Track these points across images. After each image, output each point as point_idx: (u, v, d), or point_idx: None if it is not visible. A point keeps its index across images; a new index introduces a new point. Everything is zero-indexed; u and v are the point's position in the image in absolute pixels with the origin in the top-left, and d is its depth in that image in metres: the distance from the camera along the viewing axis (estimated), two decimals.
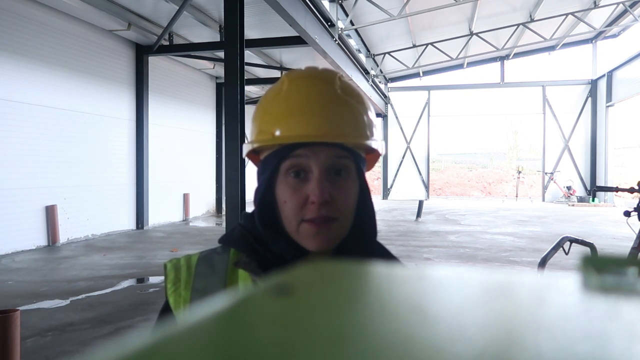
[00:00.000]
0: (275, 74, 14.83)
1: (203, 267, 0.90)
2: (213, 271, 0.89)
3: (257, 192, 0.89)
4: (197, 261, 0.91)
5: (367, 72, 15.82)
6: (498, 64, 20.77)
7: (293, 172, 0.85)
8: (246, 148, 0.91)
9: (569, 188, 19.77)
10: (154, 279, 6.50)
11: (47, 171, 8.95)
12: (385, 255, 0.95)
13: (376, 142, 0.89)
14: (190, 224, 12.94)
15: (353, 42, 14.69)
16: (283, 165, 0.85)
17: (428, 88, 21.61)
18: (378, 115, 21.35)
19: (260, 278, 0.85)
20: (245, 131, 6.50)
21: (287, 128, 0.83)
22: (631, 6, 14.88)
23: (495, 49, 17.05)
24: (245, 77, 6.72)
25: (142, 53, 11.37)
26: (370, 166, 0.97)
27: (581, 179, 20.16)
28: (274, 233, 0.88)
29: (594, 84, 19.94)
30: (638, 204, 4.13)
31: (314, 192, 0.83)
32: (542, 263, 3.56)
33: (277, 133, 0.84)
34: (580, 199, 19.24)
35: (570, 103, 20.40)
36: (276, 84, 0.90)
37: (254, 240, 0.89)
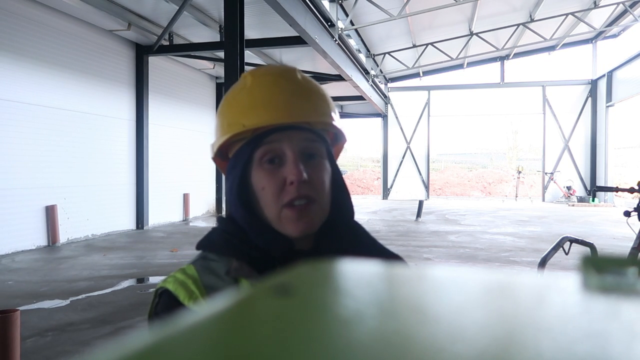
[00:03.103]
0: None
1: (208, 277, 0.87)
2: (220, 278, 0.86)
3: (231, 187, 0.90)
4: (198, 273, 0.87)
5: (367, 72, 15.82)
6: (498, 64, 20.76)
7: (267, 159, 0.87)
8: (215, 145, 0.92)
9: (569, 188, 19.76)
10: (154, 279, 6.50)
11: (47, 171, 8.95)
12: (364, 236, 0.96)
13: (341, 124, 0.94)
14: (190, 224, 12.94)
15: (353, 42, 14.68)
16: (256, 155, 0.87)
17: (428, 88, 21.61)
18: (378, 115, 21.38)
19: (256, 280, 0.83)
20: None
21: (256, 117, 0.86)
22: (631, 6, 14.87)
23: (495, 49, 17.04)
24: None
25: (142, 53, 11.37)
26: (336, 157, 1.00)
27: (581, 179, 20.15)
28: (258, 224, 0.88)
29: (594, 84, 19.94)
30: (638, 204, 4.13)
31: (291, 172, 0.85)
32: (542, 263, 3.56)
33: (246, 123, 0.86)
34: (580, 199, 19.24)
35: (570, 103, 20.39)
36: (238, 82, 0.94)
37: (237, 241, 0.89)
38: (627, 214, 4.13)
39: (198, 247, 0.92)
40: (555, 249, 3.54)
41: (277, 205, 0.85)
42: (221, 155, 0.95)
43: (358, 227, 0.97)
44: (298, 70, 0.94)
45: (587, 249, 3.45)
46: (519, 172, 22.12)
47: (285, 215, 0.85)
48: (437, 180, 28.60)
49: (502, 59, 20.55)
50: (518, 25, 15.53)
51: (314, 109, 0.89)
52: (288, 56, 14.22)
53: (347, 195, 0.94)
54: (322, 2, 10.00)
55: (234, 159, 0.90)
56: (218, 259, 0.89)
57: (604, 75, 18.95)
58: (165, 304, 0.86)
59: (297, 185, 0.84)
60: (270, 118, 0.85)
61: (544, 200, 20.69)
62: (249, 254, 0.87)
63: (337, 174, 0.93)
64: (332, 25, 10.56)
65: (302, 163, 0.86)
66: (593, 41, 19.70)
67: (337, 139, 0.98)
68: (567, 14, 14.80)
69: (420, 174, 21.65)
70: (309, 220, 0.86)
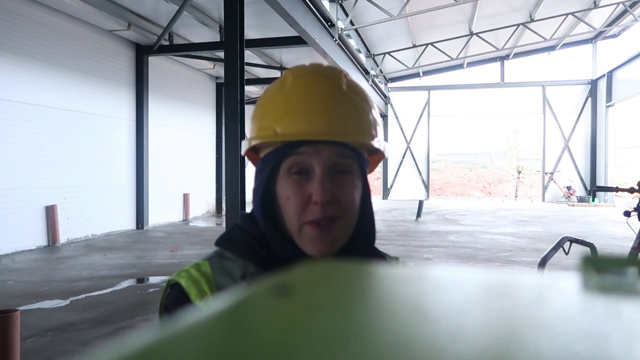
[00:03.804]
0: (275, 74, 14.84)
1: (222, 278, 0.85)
2: (234, 280, 0.84)
3: (256, 191, 0.86)
4: (212, 272, 0.85)
5: (367, 72, 15.82)
6: (498, 64, 20.77)
7: (295, 170, 0.82)
8: (245, 145, 0.88)
9: (569, 188, 19.77)
10: (154, 279, 6.50)
11: (47, 171, 8.95)
12: (381, 259, 0.94)
13: (380, 143, 0.87)
14: (190, 224, 12.94)
15: (353, 42, 14.69)
16: (284, 164, 0.83)
17: (428, 88, 21.61)
18: None
19: None
20: (245, 130, 6.50)
21: (289, 125, 0.81)
22: (631, 6, 14.88)
23: (495, 49, 17.05)
24: (245, 77, 6.71)
25: (142, 53, 11.37)
26: (373, 168, 0.95)
27: (581, 179, 20.16)
28: (278, 234, 0.85)
29: (594, 84, 19.94)
30: (638, 204, 4.13)
31: (316, 192, 0.80)
32: (542, 263, 3.56)
33: (279, 130, 0.81)
34: (580, 199, 19.24)
35: (570, 103, 20.40)
36: (279, 80, 0.88)
37: (257, 244, 0.86)
38: (627, 214, 4.13)
39: (217, 244, 0.90)
40: (555, 249, 3.54)
41: (299, 221, 0.82)
42: (254, 150, 0.90)
43: (378, 254, 0.93)
44: (345, 74, 0.86)
45: (587, 249, 3.45)
46: (519, 172, 22.12)
47: (306, 232, 0.82)
48: (437, 180, 28.60)
49: (502, 59, 20.56)
50: (518, 25, 15.53)
51: (353, 126, 0.82)
52: (288, 56, 14.22)
53: (371, 217, 0.89)
54: (322, 2, 10.00)
55: (262, 163, 0.86)
56: (234, 259, 0.86)
57: (604, 75, 18.96)
58: (174, 298, 0.84)
59: (321, 206, 0.80)
60: (303, 130, 0.80)
61: (544, 200, 20.70)
62: (267, 260, 0.85)
63: (366, 194, 0.87)
64: (332, 25, 10.56)
65: (330, 179, 0.82)
66: (593, 41, 19.70)
67: (376, 151, 0.91)
68: (567, 14, 14.81)
69: (420, 174, 21.65)
70: (331, 241, 0.82)
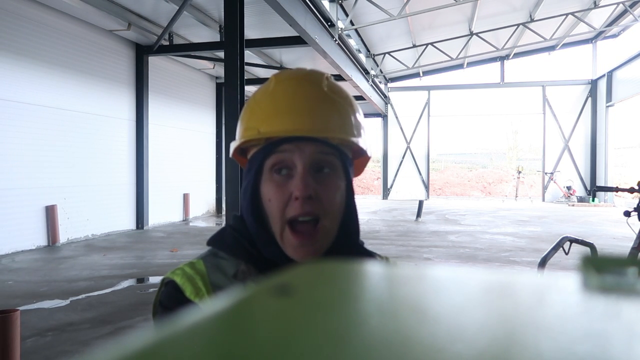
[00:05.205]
0: None
1: (216, 276, 0.86)
2: (228, 278, 0.86)
3: (245, 191, 0.88)
4: (206, 270, 0.87)
5: (367, 72, 15.82)
6: (498, 64, 20.76)
7: (277, 168, 0.84)
8: (233, 146, 0.91)
9: (569, 188, 19.76)
10: (154, 279, 6.50)
11: (47, 171, 8.95)
12: (369, 257, 0.95)
13: (363, 142, 0.88)
14: (190, 224, 12.94)
15: (353, 42, 14.68)
16: (268, 162, 0.85)
17: (428, 88, 21.60)
18: (378, 115, 21.37)
19: None
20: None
21: (272, 124, 0.83)
22: (631, 6, 14.87)
23: (495, 49, 17.04)
24: (245, 77, 6.72)
25: (142, 53, 11.37)
26: (359, 171, 0.96)
27: (581, 179, 20.15)
28: (266, 235, 0.86)
29: (594, 84, 19.94)
30: (638, 204, 4.13)
31: (297, 187, 0.82)
32: (542, 263, 3.56)
33: (262, 129, 0.84)
34: (580, 199, 19.23)
35: (570, 103, 20.39)
36: (264, 85, 0.91)
37: (248, 244, 0.88)
38: (627, 214, 4.13)
39: (209, 243, 0.92)
40: (555, 249, 3.54)
41: (281, 220, 0.83)
42: (243, 154, 0.93)
43: (363, 250, 0.94)
44: (326, 76, 0.89)
45: (587, 249, 3.44)
46: (519, 172, 22.11)
47: (287, 238, 0.83)
48: (437, 180, 28.60)
49: (502, 59, 20.55)
50: (518, 25, 15.53)
51: (334, 122, 0.84)
52: (288, 56, 14.21)
53: (354, 215, 0.90)
54: (322, 2, 10.00)
55: (249, 164, 0.89)
56: (228, 258, 0.88)
57: (604, 75, 18.95)
58: (169, 294, 0.86)
59: (302, 201, 0.81)
60: (285, 128, 0.82)
61: (544, 200, 20.69)
62: (259, 259, 0.87)
63: (349, 192, 0.88)
64: (332, 25, 10.55)
65: (312, 177, 0.83)
66: (593, 41, 19.69)
67: (360, 152, 0.93)
68: (567, 14, 14.80)
69: (420, 174, 21.64)
70: (313, 248, 0.83)
